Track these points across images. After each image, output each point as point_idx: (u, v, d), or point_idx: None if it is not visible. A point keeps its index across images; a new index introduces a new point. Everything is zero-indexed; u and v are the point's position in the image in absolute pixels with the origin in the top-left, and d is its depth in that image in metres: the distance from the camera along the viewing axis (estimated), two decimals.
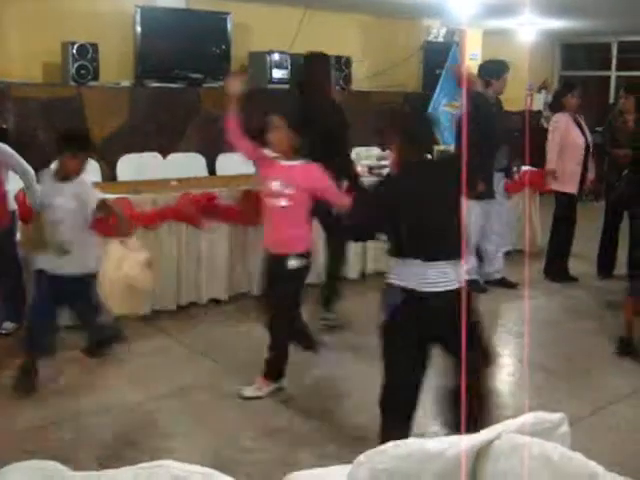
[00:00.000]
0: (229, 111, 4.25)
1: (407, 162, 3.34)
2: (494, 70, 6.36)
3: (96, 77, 7.15)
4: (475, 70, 6.59)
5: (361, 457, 1.84)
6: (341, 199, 4.04)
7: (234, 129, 4.24)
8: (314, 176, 4.14)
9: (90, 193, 4.18)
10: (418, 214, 3.16)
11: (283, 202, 4.08)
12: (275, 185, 4.11)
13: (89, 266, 4.13)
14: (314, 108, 5.01)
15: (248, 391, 4.21)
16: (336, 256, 5.44)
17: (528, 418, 1.90)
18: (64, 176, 4.14)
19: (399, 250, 3.19)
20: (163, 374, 4.55)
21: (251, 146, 4.28)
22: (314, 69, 5.37)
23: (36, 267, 4.27)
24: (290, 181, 4.08)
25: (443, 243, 3.11)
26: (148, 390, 4.30)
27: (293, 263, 4.09)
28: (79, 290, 4.18)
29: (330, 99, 5.36)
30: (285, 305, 4.21)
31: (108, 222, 4.36)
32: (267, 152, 4.25)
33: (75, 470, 1.72)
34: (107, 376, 4.50)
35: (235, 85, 4.31)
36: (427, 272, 3.11)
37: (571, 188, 6.59)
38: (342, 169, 4.95)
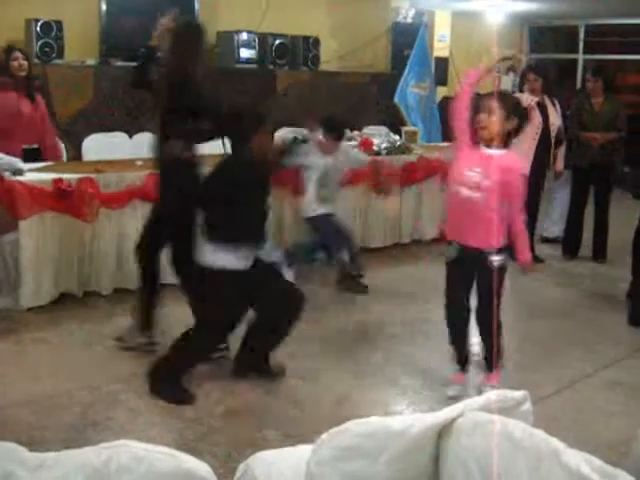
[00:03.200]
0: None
1: None
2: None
3: (60, 55, 7.04)
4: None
5: (324, 435, 1.85)
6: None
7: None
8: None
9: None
10: None
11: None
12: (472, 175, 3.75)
13: None
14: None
15: None
16: None
17: (491, 396, 1.91)
18: None
19: None
20: (128, 355, 4.51)
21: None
22: None
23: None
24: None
25: None
26: (113, 371, 4.27)
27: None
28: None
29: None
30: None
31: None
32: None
33: (39, 452, 1.70)
34: (72, 357, 4.46)
35: None
36: None
37: (524, 168, 6.58)
38: None
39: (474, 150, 3.79)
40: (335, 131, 5.57)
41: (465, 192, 3.75)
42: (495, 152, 3.73)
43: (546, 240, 7.58)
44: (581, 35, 12.62)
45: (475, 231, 3.79)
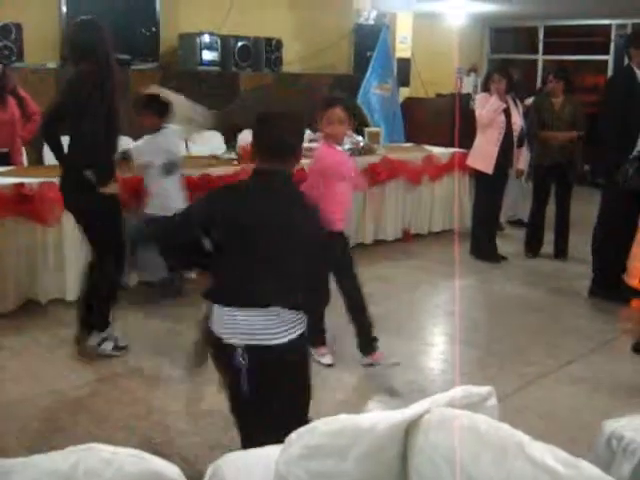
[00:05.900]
0: None
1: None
2: None
3: (20, 58, 6.96)
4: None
5: (293, 435, 1.85)
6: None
7: None
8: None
9: None
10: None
11: None
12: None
13: None
14: None
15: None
16: None
17: (457, 392, 1.93)
18: None
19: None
20: (92, 360, 4.47)
21: None
22: None
23: None
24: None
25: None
26: (78, 377, 4.23)
27: None
28: None
29: None
30: None
31: None
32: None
33: (4, 459, 1.68)
34: (36, 364, 4.41)
35: None
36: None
37: (485, 167, 6.71)
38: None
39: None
40: None
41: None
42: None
43: (513, 223, 8.30)
44: (540, 36, 12.78)
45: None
